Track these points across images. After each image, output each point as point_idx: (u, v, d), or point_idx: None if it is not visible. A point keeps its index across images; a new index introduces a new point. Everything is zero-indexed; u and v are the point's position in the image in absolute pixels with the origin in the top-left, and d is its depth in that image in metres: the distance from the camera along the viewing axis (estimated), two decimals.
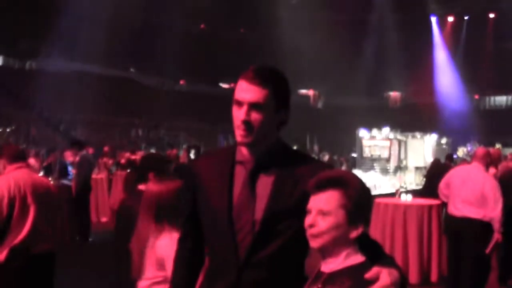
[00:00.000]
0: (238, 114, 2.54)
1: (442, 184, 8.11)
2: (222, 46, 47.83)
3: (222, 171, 2.66)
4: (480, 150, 8.23)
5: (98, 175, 16.43)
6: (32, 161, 6.92)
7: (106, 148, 24.04)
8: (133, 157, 20.03)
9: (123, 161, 20.19)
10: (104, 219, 15.54)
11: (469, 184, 7.49)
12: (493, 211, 7.25)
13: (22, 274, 5.07)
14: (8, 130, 31.39)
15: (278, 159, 2.61)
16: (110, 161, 21.45)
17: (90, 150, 17.07)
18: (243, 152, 2.65)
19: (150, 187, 4.04)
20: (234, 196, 2.61)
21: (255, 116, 2.52)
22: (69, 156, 13.47)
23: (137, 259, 3.85)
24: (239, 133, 2.56)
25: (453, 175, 7.98)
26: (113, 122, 39.57)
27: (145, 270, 3.80)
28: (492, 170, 8.97)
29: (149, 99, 43.56)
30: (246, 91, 2.52)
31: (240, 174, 2.64)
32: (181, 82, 52.78)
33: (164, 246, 3.70)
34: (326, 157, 26.73)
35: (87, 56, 39.72)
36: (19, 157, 5.37)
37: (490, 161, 7.86)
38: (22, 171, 5.28)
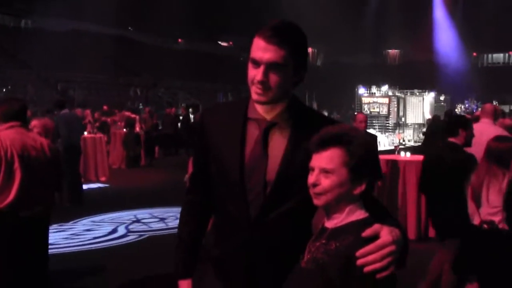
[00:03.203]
0: (255, 74, 2.41)
1: None
2: (220, 4, 47.45)
3: (234, 127, 2.56)
4: (488, 105, 8.21)
5: (97, 135, 16.39)
6: (35, 122, 6.53)
7: (104, 107, 24.04)
8: (132, 116, 20.06)
9: (122, 120, 20.18)
10: (103, 178, 15.54)
11: (484, 140, 7.47)
12: None
13: (12, 237, 4.88)
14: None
15: (293, 118, 2.52)
16: (109, 120, 21.48)
17: (81, 111, 16.86)
18: (257, 109, 2.53)
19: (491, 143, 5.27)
20: (246, 154, 2.51)
21: (272, 76, 2.39)
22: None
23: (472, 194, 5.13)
24: (254, 91, 2.43)
25: None
26: (112, 81, 39.43)
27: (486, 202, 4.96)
28: None
29: (147, 58, 43.44)
30: (264, 51, 2.37)
31: (253, 132, 2.53)
32: (179, 40, 52.50)
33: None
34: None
35: (85, 15, 39.40)
36: (12, 116, 5.05)
37: (497, 115, 7.81)
38: (13, 131, 4.99)
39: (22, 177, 4.90)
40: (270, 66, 2.38)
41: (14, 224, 4.89)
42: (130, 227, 10.14)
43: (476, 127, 8.20)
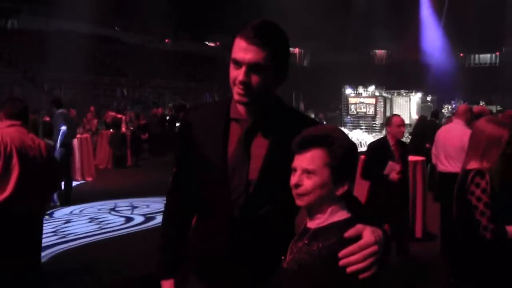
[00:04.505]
0: (236, 74, 2.39)
1: (433, 147, 8.26)
2: (207, 4, 47.37)
3: (217, 127, 2.57)
4: (461, 106, 8.41)
5: (83, 135, 16.34)
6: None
7: (91, 108, 23.96)
8: (118, 116, 20.01)
9: (108, 120, 20.13)
10: (89, 179, 15.50)
11: (450, 139, 7.64)
12: None
13: (6, 235, 4.94)
14: None
15: (275, 119, 2.52)
16: (95, 121, 21.41)
17: (73, 112, 16.92)
18: (239, 109, 2.54)
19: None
20: (229, 154, 2.52)
21: (254, 77, 2.38)
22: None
23: None
24: (236, 91, 2.42)
25: (438, 134, 8.12)
26: (98, 81, 39.25)
27: None
28: None
29: (134, 57, 43.24)
30: (246, 51, 2.36)
31: (235, 132, 2.54)
32: (166, 40, 52.38)
33: None
34: (312, 116, 26.74)
35: (71, 15, 39.21)
36: (15, 115, 5.24)
37: (471, 117, 7.88)
38: (13, 129, 5.14)
39: (20, 173, 4.99)
40: (252, 67, 2.38)
41: (8, 220, 4.94)
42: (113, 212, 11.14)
43: (445, 127, 8.43)
